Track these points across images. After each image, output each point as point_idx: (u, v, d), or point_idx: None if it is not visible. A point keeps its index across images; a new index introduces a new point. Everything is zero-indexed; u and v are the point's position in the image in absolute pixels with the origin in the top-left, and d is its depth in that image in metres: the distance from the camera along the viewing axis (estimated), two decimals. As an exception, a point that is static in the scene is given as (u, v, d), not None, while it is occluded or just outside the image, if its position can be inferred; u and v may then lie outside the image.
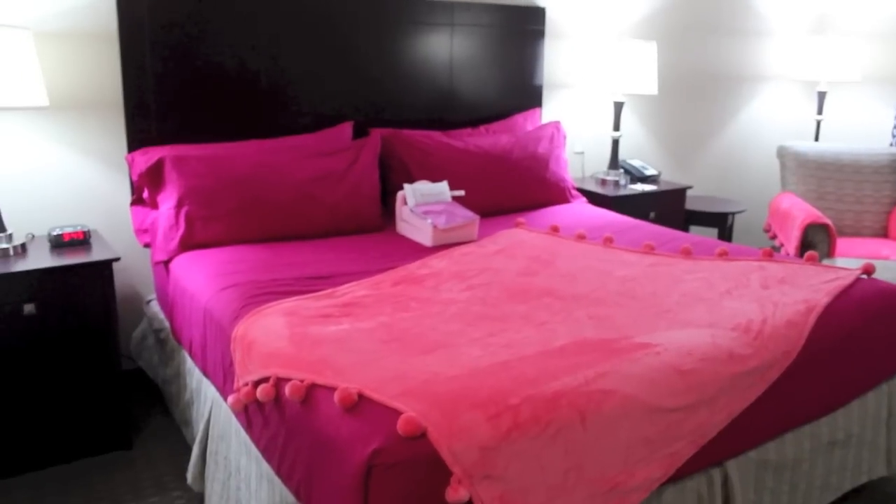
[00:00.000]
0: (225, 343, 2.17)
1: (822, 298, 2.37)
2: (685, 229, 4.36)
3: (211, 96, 3.13)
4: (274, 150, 3.07)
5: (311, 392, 1.73)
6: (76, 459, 2.74)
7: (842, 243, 4.29)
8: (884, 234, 4.55)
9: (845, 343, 2.33)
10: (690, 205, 4.39)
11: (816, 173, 4.61)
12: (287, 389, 1.74)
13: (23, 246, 2.72)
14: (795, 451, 2.26)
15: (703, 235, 4.46)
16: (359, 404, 1.63)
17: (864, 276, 2.63)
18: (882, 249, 4.20)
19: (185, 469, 2.57)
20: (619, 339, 2.02)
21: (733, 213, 4.41)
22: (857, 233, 4.56)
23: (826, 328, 2.26)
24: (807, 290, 2.46)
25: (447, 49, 3.68)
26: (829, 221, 4.03)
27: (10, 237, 2.68)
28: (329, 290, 2.36)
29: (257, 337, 2.03)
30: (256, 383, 1.89)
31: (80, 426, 2.73)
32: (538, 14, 3.95)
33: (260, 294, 2.32)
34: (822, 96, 4.99)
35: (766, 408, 2.08)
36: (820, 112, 5.01)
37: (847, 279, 2.56)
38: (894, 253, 4.15)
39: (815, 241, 4.06)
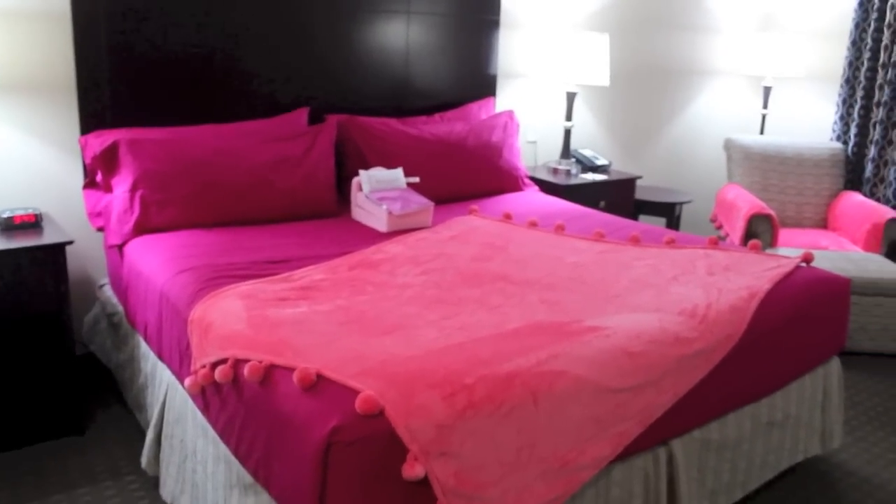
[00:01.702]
0: (181, 326, 2.18)
1: (763, 285, 2.47)
2: (635, 218, 4.46)
3: (166, 79, 3.11)
4: (230, 134, 3.07)
5: (270, 373, 1.75)
6: (27, 445, 2.72)
7: (784, 234, 4.43)
8: (823, 225, 4.72)
9: (785, 327, 2.43)
10: (640, 195, 4.49)
11: (761, 165, 4.75)
12: (246, 370, 1.76)
13: (-28, 228, 2.68)
14: (737, 431, 2.36)
15: (653, 224, 4.58)
16: (317, 384, 1.67)
17: (804, 265, 2.74)
18: (821, 240, 4.35)
19: (138, 454, 2.57)
20: (570, 323, 2.08)
21: (681, 204, 4.52)
22: (798, 224, 4.72)
23: (767, 313, 2.36)
24: (750, 276, 2.55)
25: (403, 37, 3.70)
26: (772, 212, 4.16)
27: (-42, 219, 2.65)
28: (286, 274, 2.38)
29: (215, 319, 2.05)
30: (214, 365, 1.91)
31: (31, 411, 2.70)
32: (493, 4, 4.00)
33: (216, 277, 2.33)
34: (767, 91, 5.13)
35: (710, 389, 2.16)
36: (765, 106, 5.15)
37: (787, 267, 2.66)
38: (833, 243, 4.30)
39: (759, 232, 4.19)
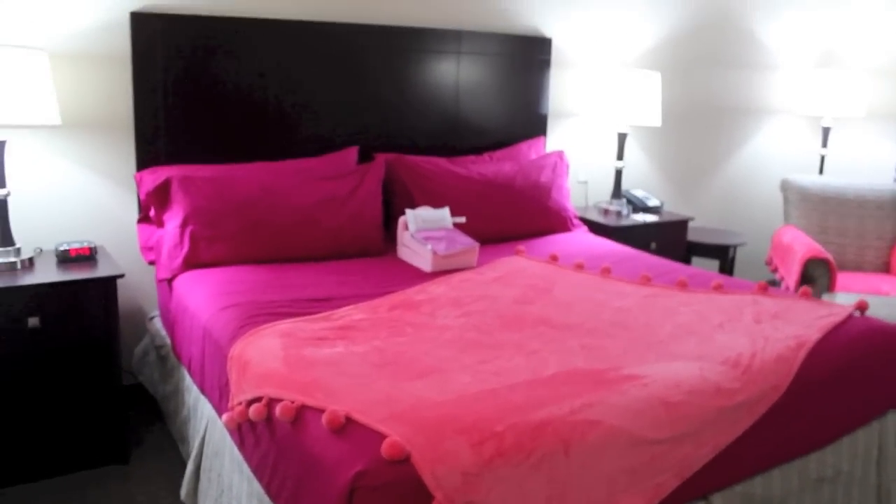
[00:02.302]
0: (222, 362, 2.21)
1: (813, 334, 2.40)
2: (687, 261, 4.39)
3: (220, 119, 3.20)
4: (279, 172, 3.13)
5: (302, 413, 1.77)
6: (72, 472, 2.78)
7: (843, 278, 4.31)
8: (885, 269, 4.57)
9: (835, 380, 2.35)
10: (693, 236, 4.42)
11: (819, 207, 4.63)
12: (278, 410, 1.78)
13: (30, 260, 2.78)
14: (783, 487, 2.28)
15: (705, 267, 4.50)
16: (346, 426, 1.67)
17: (857, 314, 2.66)
18: (882, 285, 4.21)
19: (179, 485, 2.60)
20: (608, 370, 2.05)
21: (735, 246, 4.43)
22: (858, 267, 4.58)
23: (816, 364, 2.29)
24: (798, 325, 2.48)
25: (454, 76, 3.74)
26: (829, 256, 4.05)
27: (18, 251, 2.74)
28: (326, 313, 2.40)
29: (252, 357, 2.07)
30: (249, 403, 1.93)
31: (77, 439, 2.77)
32: (545, 44, 4.01)
33: (258, 314, 2.36)
34: (826, 131, 5.03)
35: (754, 442, 2.10)
36: (824, 146, 5.05)
37: (839, 316, 2.58)
38: (895, 289, 4.16)
39: (816, 276, 4.08)
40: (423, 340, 2.22)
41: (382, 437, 1.60)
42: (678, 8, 4.54)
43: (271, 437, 1.83)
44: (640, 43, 4.45)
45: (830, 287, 4.07)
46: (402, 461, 1.55)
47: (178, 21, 3.06)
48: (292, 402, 1.78)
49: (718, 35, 4.78)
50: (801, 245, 4.19)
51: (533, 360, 2.11)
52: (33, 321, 2.60)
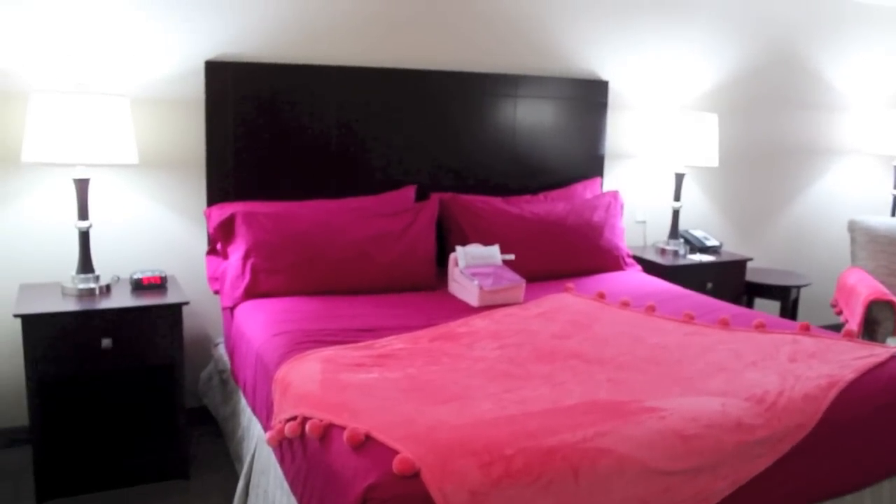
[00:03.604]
0: (269, 384, 2.37)
1: (847, 374, 2.40)
2: (748, 302, 4.38)
3: (284, 159, 3.42)
4: (337, 209, 3.31)
5: (328, 431, 1.90)
6: (137, 484, 2.98)
7: (910, 322, 4.21)
8: (956, 314, 4.44)
9: (869, 420, 2.34)
10: (755, 277, 4.40)
11: (887, 248, 4.55)
12: (308, 427, 1.92)
13: (107, 287, 3.02)
14: (810, 526, 2.28)
15: (766, 308, 4.47)
16: (365, 443, 1.80)
17: (901, 355, 2.63)
18: (952, 330, 4.10)
19: (232, 501, 2.76)
20: (629, 402, 2.11)
21: (798, 287, 4.39)
22: (928, 312, 4.46)
23: (847, 404, 2.28)
24: (835, 365, 2.49)
25: (511, 119, 3.87)
26: (894, 298, 3.98)
27: (97, 278, 2.99)
28: (369, 342, 2.54)
29: (294, 380, 2.23)
30: (287, 421, 2.08)
31: (143, 454, 2.97)
32: (601, 87, 4.12)
33: (306, 341, 2.53)
34: (898, 172, 4.95)
35: (778, 479, 2.11)
36: (896, 188, 4.97)
37: (880, 357, 2.57)
38: (965, 334, 4.05)
39: (880, 318, 4.01)
40: (455, 370, 2.33)
41: (396, 453, 1.72)
42: (738, 50, 4.58)
43: (303, 453, 1.97)
44: (699, 85, 4.50)
45: (895, 331, 3.99)
46: (412, 476, 1.66)
47: (249, 69, 3.30)
48: (321, 421, 1.92)
49: (781, 76, 4.79)
50: (865, 287, 4.13)
51: (557, 390, 2.20)
52: (106, 342, 2.82)
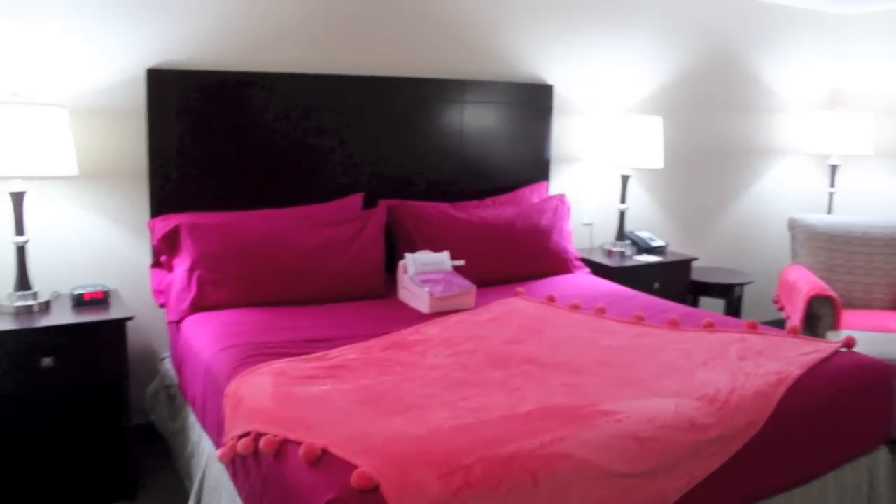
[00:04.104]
0: (219, 399, 2.32)
1: (794, 370, 2.45)
2: (693, 301, 4.44)
3: (229, 168, 3.36)
4: (284, 218, 3.27)
5: (283, 447, 1.86)
6: (83, 508, 2.90)
7: (850, 315, 4.32)
8: (894, 306, 4.57)
9: (816, 415, 2.40)
10: (699, 276, 4.47)
11: (826, 245, 4.67)
12: (262, 443, 1.88)
13: (47, 303, 2.92)
14: (767, 521, 2.32)
15: (712, 306, 4.55)
16: (322, 459, 1.76)
17: (844, 350, 2.70)
18: (891, 322, 4.22)
19: (184, 520, 2.71)
20: (584, 407, 2.12)
21: (741, 285, 4.48)
22: (867, 305, 4.59)
23: (796, 399, 2.34)
24: (782, 362, 2.54)
25: (458, 124, 3.87)
26: (833, 293, 4.08)
27: (35, 295, 2.89)
28: (321, 353, 2.51)
29: (245, 394, 2.18)
30: (240, 437, 2.03)
31: (87, 475, 2.89)
32: (547, 91, 4.14)
33: (256, 355, 2.48)
34: (834, 169, 5.08)
35: (734, 475, 2.15)
36: (832, 185, 5.09)
37: (825, 352, 2.63)
38: (902, 326, 4.17)
39: (821, 314, 4.11)
40: (409, 379, 2.31)
41: (354, 468, 1.69)
42: (679, 54, 4.66)
43: (258, 470, 1.93)
44: (642, 88, 4.56)
45: (835, 325, 4.09)
46: (372, 491, 1.64)
47: (193, 77, 3.23)
48: (275, 436, 1.89)
49: (721, 79, 4.89)
50: (806, 283, 4.23)
51: (513, 396, 2.19)
52: (47, 361, 2.73)
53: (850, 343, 2.72)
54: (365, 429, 1.89)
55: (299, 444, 1.83)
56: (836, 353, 2.65)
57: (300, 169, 3.51)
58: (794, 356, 2.59)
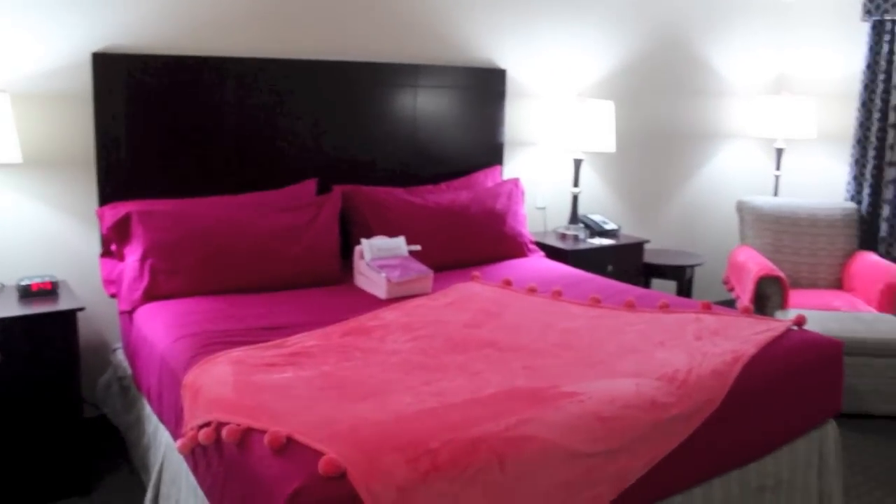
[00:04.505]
0: (177, 390, 2.28)
1: (749, 349, 2.50)
2: (645, 282, 4.50)
3: (180, 154, 3.29)
4: (238, 205, 3.22)
5: (247, 435, 1.84)
6: (35, 504, 2.83)
7: (797, 295, 4.43)
8: (838, 285, 4.70)
9: (771, 391, 2.45)
10: (651, 258, 4.53)
11: (773, 227, 4.77)
12: (224, 433, 1.85)
13: (-8, 296, 2.84)
14: (724, 496, 2.37)
15: (663, 288, 4.61)
16: (287, 447, 1.74)
17: (795, 328, 2.76)
18: (835, 301, 4.34)
19: (141, 514, 2.65)
20: (547, 388, 2.13)
21: (692, 266, 4.55)
22: (813, 285, 4.71)
23: (751, 377, 2.38)
24: (737, 341, 2.58)
25: (411, 109, 3.85)
26: (781, 274, 4.18)
27: (-21, 288, 2.80)
28: (280, 341, 2.48)
29: (204, 384, 2.14)
30: (200, 427, 2.00)
31: (39, 471, 2.81)
32: (499, 75, 4.14)
33: (213, 343, 2.44)
34: (779, 153, 5.18)
35: (692, 453, 2.18)
36: (778, 168, 5.20)
37: (777, 330, 2.69)
38: (846, 304, 4.28)
39: (769, 293, 4.20)
40: (369, 365, 2.30)
41: (320, 455, 1.68)
42: (630, 39, 4.70)
43: (220, 460, 1.90)
44: (594, 73, 4.59)
45: (783, 304, 4.19)
46: (339, 477, 1.63)
47: (139, 61, 3.15)
48: (238, 426, 1.86)
49: (672, 64, 4.94)
50: (755, 264, 4.32)
51: (475, 380, 2.20)
52: (-6, 356, 2.65)
53: (800, 322, 2.78)
54: (329, 415, 1.87)
55: (263, 432, 1.80)
56: (788, 331, 2.71)
57: (253, 155, 3.45)
58: (748, 335, 2.64)
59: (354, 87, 3.66)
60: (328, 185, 3.58)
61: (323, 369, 2.23)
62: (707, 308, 2.94)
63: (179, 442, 2.08)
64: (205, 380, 2.16)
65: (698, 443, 2.19)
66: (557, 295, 3.13)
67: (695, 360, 2.39)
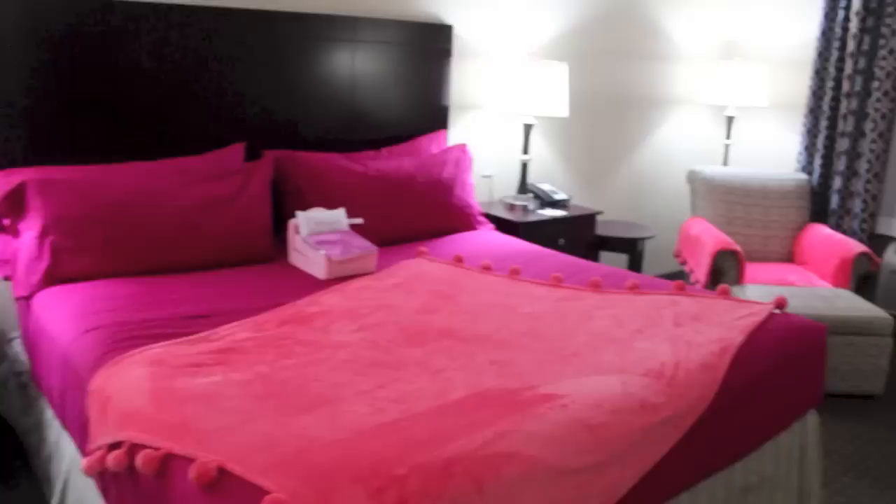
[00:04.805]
0: (83, 395, 1.91)
1: (736, 337, 2.27)
2: (595, 255, 4.26)
3: (90, 114, 2.85)
4: (155, 173, 2.82)
5: (168, 463, 1.49)
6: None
7: (750, 268, 4.27)
8: (790, 258, 4.56)
9: (760, 384, 2.23)
10: (601, 230, 4.28)
11: (725, 198, 4.59)
12: (139, 459, 1.50)
13: None
14: (709, 500, 2.14)
15: (613, 261, 4.39)
16: (219, 481, 1.41)
17: (777, 311, 2.54)
18: (789, 275, 4.19)
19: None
20: (522, 390, 1.85)
21: (643, 239, 4.32)
22: (764, 258, 4.55)
23: (740, 369, 2.15)
24: (720, 327, 2.35)
25: (349, 67, 3.48)
26: (738, 248, 3.99)
27: None
28: (206, 333, 2.12)
29: (115, 392, 1.78)
30: (110, 447, 1.65)
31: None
32: (445, 32, 3.79)
33: (127, 338, 2.07)
34: (730, 121, 4.99)
35: (681, 457, 1.94)
36: (728, 137, 5.01)
37: (760, 315, 2.46)
38: (800, 278, 4.14)
39: (725, 268, 4.02)
40: (313, 362, 1.96)
41: (263, 492, 1.35)
42: (581, -5, 4.40)
43: (135, 491, 1.56)
44: (545, 32, 4.27)
45: (739, 279, 4.01)
46: (287, 522, 1.31)
47: (39, 5, 2.69)
48: (157, 450, 1.51)
49: (624, 26, 4.66)
50: (710, 237, 4.12)
51: (438, 381, 1.89)
52: None
53: (781, 304, 2.57)
54: (270, 435, 1.54)
55: (189, 460, 1.46)
56: (771, 315, 2.49)
57: (172, 115, 3.03)
58: (731, 320, 2.41)
59: (286, 40, 3.26)
60: (258, 151, 3.19)
61: (258, 370, 1.89)
62: (681, 289, 2.69)
63: (85, 462, 1.72)
64: (116, 386, 1.79)
65: (687, 446, 1.94)
66: (515, 273, 2.85)
67: (680, 352, 2.14)
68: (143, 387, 1.76)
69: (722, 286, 2.68)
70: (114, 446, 1.63)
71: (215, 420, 1.60)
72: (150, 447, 1.53)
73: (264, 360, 1.95)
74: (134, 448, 1.57)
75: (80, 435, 1.94)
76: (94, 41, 2.82)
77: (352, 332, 2.21)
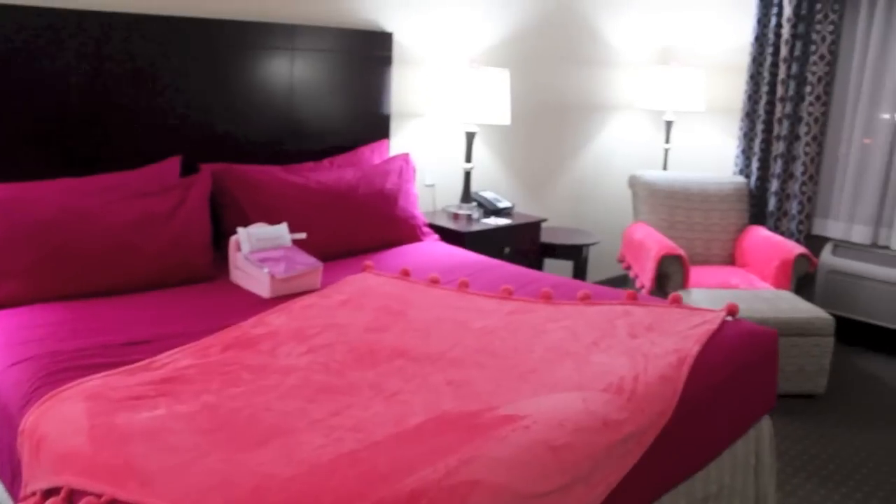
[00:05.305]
0: (12, 435, 1.78)
1: (692, 347, 2.25)
2: (540, 263, 4.23)
3: (15, 127, 2.68)
4: (85, 190, 2.67)
5: (111, 511, 1.39)
6: None
7: (694, 272, 4.29)
8: (731, 261, 4.61)
9: (718, 393, 2.22)
10: (545, 237, 4.25)
11: (666, 202, 4.61)
12: (79, 508, 1.39)
13: None
14: (671, 514, 2.11)
15: (558, 268, 4.37)
16: (169, 529, 1.31)
17: (730, 318, 2.54)
18: (731, 278, 4.23)
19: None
20: (483, 412, 1.79)
21: (588, 245, 4.31)
22: (707, 261, 4.59)
23: (698, 381, 2.14)
24: (675, 337, 2.33)
25: (288, 76, 3.37)
26: (682, 252, 4.01)
27: None
28: (146, 361, 2.01)
29: (49, 430, 1.66)
30: (46, 493, 1.53)
31: None
32: (385, 39, 3.72)
33: (60, 370, 1.94)
34: (669, 125, 5.02)
35: (643, 473, 1.90)
36: (667, 141, 5.04)
37: (713, 323, 2.46)
38: (743, 281, 4.18)
39: (670, 272, 4.03)
40: (262, 390, 1.87)
41: (217, 540, 1.26)
42: (521, 4, 4.36)
43: (74, 540, 1.44)
44: (485, 39, 4.23)
45: (684, 283, 4.03)
46: (244, 572, 1.22)
47: (-52, 13, 2.54)
48: (98, 497, 1.40)
49: (564, 32, 4.65)
50: (654, 242, 4.13)
51: (394, 405, 1.82)
52: None
53: (733, 311, 2.56)
54: (221, 473, 1.44)
55: (133, 506, 1.36)
56: (724, 323, 2.48)
57: (104, 128, 2.88)
58: (685, 329, 2.39)
59: (223, 48, 3.15)
60: (195, 165, 3.06)
61: (205, 400, 1.79)
62: (633, 298, 2.67)
63: (16, 508, 1.60)
64: (50, 425, 1.67)
65: (648, 460, 1.91)
66: (464, 286, 2.79)
67: (638, 365, 2.10)
68: (79, 424, 1.64)
69: (674, 294, 2.67)
70: (50, 492, 1.51)
71: (161, 459, 1.50)
72: (91, 493, 1.42)
73: (210, 389, 1.85)
74: (73, 494, 1.46)
75: (11, 480, 1.81)
76: (17, 49, 2.66)
77: (300, 355, 2.12)
